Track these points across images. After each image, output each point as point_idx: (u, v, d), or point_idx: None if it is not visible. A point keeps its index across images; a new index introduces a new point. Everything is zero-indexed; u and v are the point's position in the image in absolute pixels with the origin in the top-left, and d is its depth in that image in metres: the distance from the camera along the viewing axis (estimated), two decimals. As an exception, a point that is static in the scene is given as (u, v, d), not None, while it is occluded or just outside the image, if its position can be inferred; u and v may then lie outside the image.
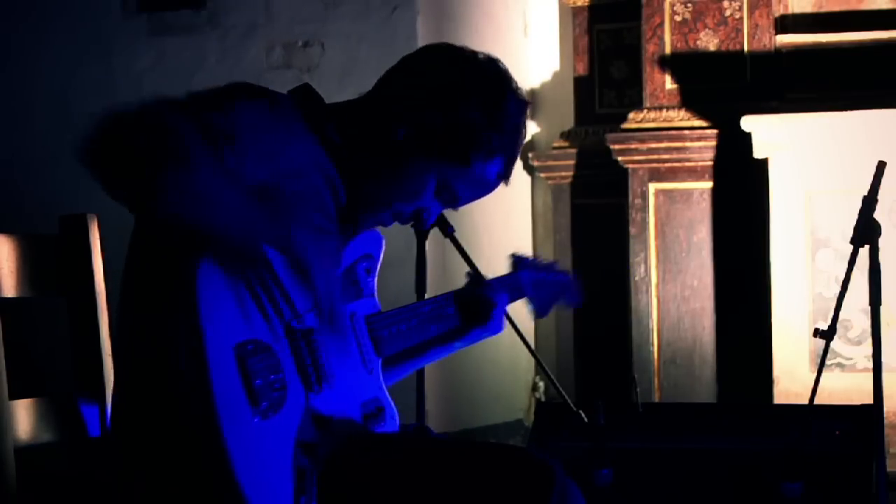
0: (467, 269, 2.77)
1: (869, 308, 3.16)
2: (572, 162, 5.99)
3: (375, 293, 2.57)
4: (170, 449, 2.20)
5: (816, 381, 3.25)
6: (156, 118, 2.14)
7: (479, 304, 2.70)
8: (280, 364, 2.26)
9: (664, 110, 5.44)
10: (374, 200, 2.49)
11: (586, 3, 6.01)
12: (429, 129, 2.43)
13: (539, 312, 2.96)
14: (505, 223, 6.14)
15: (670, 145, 5.38)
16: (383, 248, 2.60)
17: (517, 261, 2.91)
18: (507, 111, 2.46)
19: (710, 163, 5.35)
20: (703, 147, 5.35)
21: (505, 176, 2.52)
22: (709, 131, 5.35)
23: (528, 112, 2.55)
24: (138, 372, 2.27)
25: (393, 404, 2.53)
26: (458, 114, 2.43)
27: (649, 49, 5.47)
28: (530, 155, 6.16)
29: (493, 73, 2.49)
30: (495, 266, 2.99)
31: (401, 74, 2.50)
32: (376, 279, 2.58)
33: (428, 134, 2.43)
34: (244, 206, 2.20)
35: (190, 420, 2.14)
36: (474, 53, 2.51)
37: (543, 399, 6.27)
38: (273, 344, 2.26)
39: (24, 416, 2.38)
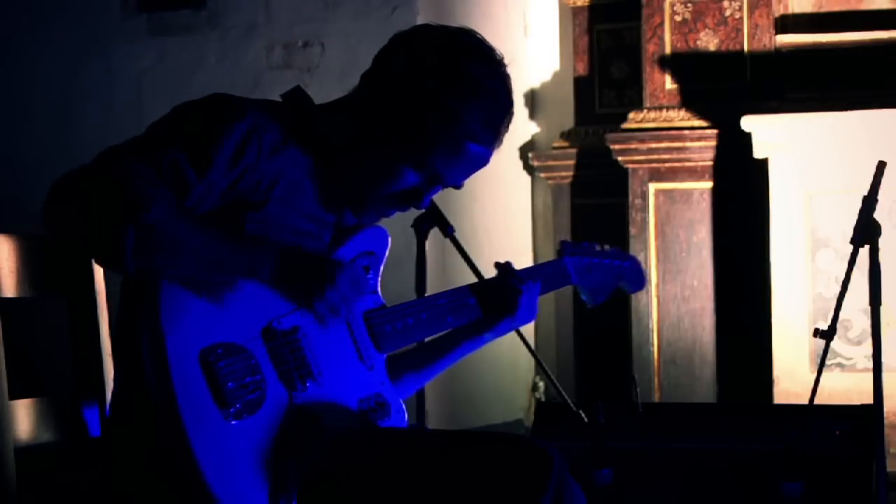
0: (470, 267, 2.75)
1: (869, 308, 3.16)
2: (572, 162, 5.99)
3: (378, 290, 2.56)
4: (144, 451, 2.25)
5: (816, 381, 3.25)
6: (109, 174, 2.17)
7: (504, 294, 2.67)
8: (259, 365, 2.28)
9: (664, 110, 5.44)
10: (364, 193, 2.47)
11: (586, 3, 6.00)
12: (388, 110, 2.40)
13: (592, 299, 2.91)
14: (505, 223, 6.14)
15: (670, 145, 5.38)
16: (388, 245, 2.58)
17: (563, 247, 2.87)
18: (466, 71, 2.40)
19: (710, 163, 5.35)
20: (703, 147, 5.35)
21: (486, 142, 2.43)
22: (709, 131, 5.35)
23: (506, 73, 2.48)
24: (120, 377, 2.35)
25: (400, 400, 2.53)
26: (411, 85, 2.39)
27: (649, 49, 5.47)
28: (530, 155, 6.16)
29: (448, 42, 2.43)
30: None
31: (371, 70, 2.49)
32: (380, 277, 2.57)
33: (388, 115, 2.40)
34: (208, 246, 2.24)
35: (158, 423, 2.19)
36: (441, 30, 2.46)
37: (543, 399, 6.27)
38: (248, 346, 2.28)
39: (24, 416, 2.38)
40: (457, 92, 2.39)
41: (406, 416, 2.52)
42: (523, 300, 2.66)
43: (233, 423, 2.23)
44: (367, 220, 2.53)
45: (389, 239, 2.58)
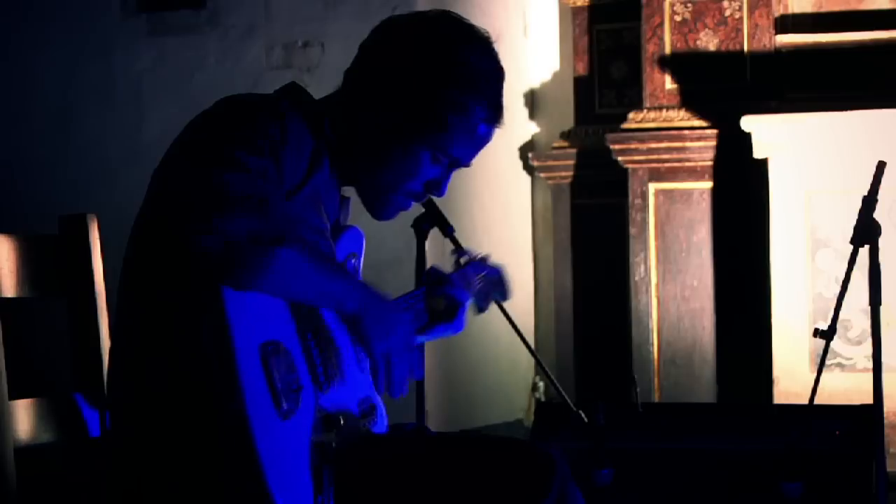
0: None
1: (869, 308, 3.16)
2: (572, 162, 6.00)
3: None
4: (199, 451, 2.19)
5: (816, 381, 3.25)
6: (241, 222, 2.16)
7: (445, 304, 2.66)
8: (294, 364, 2.27)
9: (664, 110, 5.44)
10: (384, 187, 2.47)
11: (586, 3, 6.00)
12: (395, 108, 2.42)
13: (481, 309, 2.89)
14: (505, 223, 6.14)
15: (670, 145, 5.38)
16: (364, 244, 2.59)
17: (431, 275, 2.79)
18: (463, 61, 2.42)
19: (710, 163, 5.35)
20: (703, 147, 5.35)
21: (494, 120, 2.46)
22: (709, 131, 5.35)
23: (493, 47, 2.47)
24: (162, 373, 2.24)
25: (382, 403, 2.53)
26: (413, 84, 2.41)
27: (649, 49, 5.47)
28: (530, 155, 6.17)
29: (436, 33, 2.44)
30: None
31: (359, 63, 2.49)
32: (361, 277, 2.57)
33: (397, 114, 2.41)
34: (319, 276, 2.29)
35: (223, 422, 2.14)
36: (420, 17, 2.48)
37: (543, 399, 6.27)
38: (287, 343, 2.27)
39: (24, 416, 2.38)
40: (463, 85, 2.41)
41: (387, 420, 2.52)
42: (462, 311, 2.67)
43: (283, 422, 2.21)
44: (386, 216, 2.52)
45: (364, 238, 2.58)
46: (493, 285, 2.86)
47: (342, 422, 2.30)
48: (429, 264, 2.78)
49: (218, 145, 2.25)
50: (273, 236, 2.17)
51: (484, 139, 2.48)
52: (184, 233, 2.14)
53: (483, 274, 2.80)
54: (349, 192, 2.63)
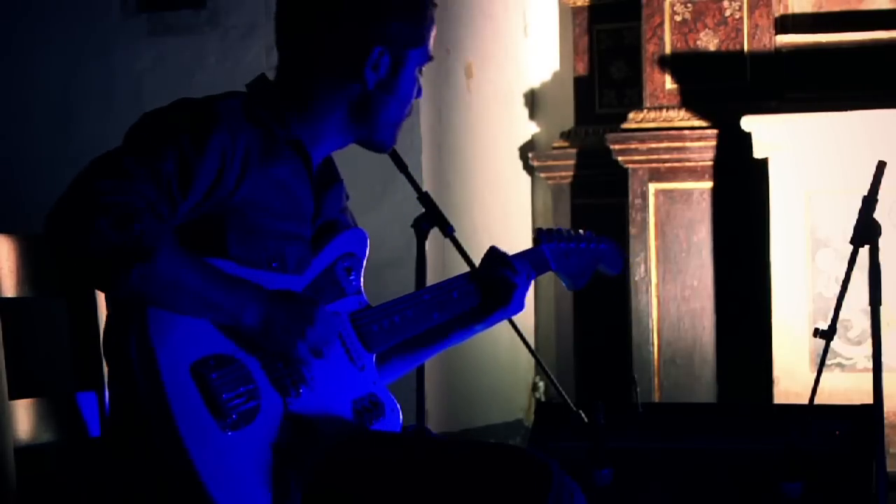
0: (469, 267, 2.73)
1: (869, 308, 3.16)
2: (572, 162, 5.99)
3: (362, 290, 2.55)
4: (146, 466, 2.24)
5: (816, 381, 3.24)
6: (115, 200, 2.16)
7: (499, 285, 2.66)
8: (251, 374, 2.27)
9: (664, 110, 5.44)
10: (395, 125, 2.52)
11: (586, 3, 6.00)
12: (389, 53, 2.46)
13: (572, 284, 2.87)
14: (505, 223, 6.14)
15: (670, 145, 5.38)
16: (368, 246, 2.58)
17: (539, 234, 2.83)
18: None
19: (710, 163, 5.35)
20: (703, 147, 5.35)
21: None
22: (709, 131, 5.35)
23: None
24: (115, 387, 2.35)
25: (393, 398, 2.52)
26: (353, 21, 2.44)
27: (649, 49, 5.47)
28: (530, 155, 6.16)
29: None
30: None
31: (290, 39, 2.50)
32: (362, 277, 2.56)
33: (392, 58, 2.47)
34: (205, 289, 2.24)
35: (156, 439, 2.19)
36: None
37: (543, 399, 6.27)
38: (238, 355, 2.27)
39: (24, 416, 2.38)
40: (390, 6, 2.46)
41: (400, 414, 2.51)
42: (518, 293, 2.65)
43: (230, 433, 2.22)
44: (389, 140, 2.54)
45: (368, 240, 2.58)
46: (592, 260, 2.87)
47: (317, 426, 2.31)
48: (429, 264, 2.78)
49: (116, 150, 2.28)
50: (139, 249, 2.15)
51: (431, 18, 2.52)
52: (54, 242, 2.17)
53: (572, 248, 2.81)
54: (344, 176, 2.64)
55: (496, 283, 2.64)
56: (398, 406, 2.51)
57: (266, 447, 2.26)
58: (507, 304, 2.64)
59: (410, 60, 2.49)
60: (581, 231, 2.90)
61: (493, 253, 2.68)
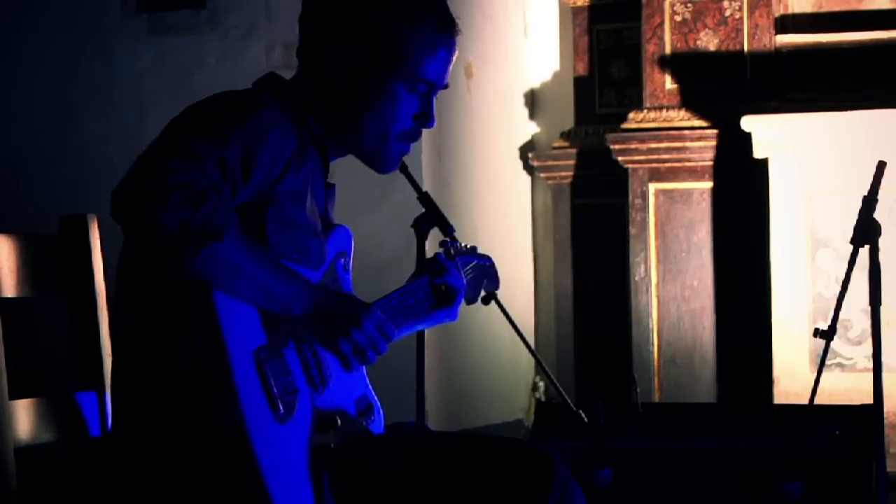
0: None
1: (869, 308, 3.16)
2: (572, 162, 5.99)
3: (352, 288, 2.56)
4: (198, 457, 2.19)
5: (816, 381, 3.25)
6: (184, 183, 2.15)
7: (446, 292, 2.65)
8: (289, 367, 2.26)
9: (664, 110, 5.44)
10: (377, 138, 2.48)
11: (586, 3, 6.00)
12: (354, 59, 2.46)
13: (472, 298, 2.85)
14: (505, 223, 6.14)
15: (670, 145, 5.38)
16: (353, 243, 2.58)
17: (449, 246, 2.78)
18: None
19: (710, 163, 5.35)
20: (703, 147, 5.35)
21: (448, 30, 2.47)
22: (709, 131, 5.35)
23: None
24: (157, 380, 2.25)
25: (378, 402, 2.53)
26: (360, 30, 2.45)
27: (649, 49, 5.47)
28: (530, 155, 6.17)
29: None
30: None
31: (306, 35, 2.58)
32: (351, 275, 2.57)
33: (357, 64, 2.45)
34: (263, 276, 2.22)
35: (221, 429, 2.14)
36: None
37: (543, 399, 6.27)
38: (281, 347, 2.27)
39: (24, 416, 2.38)
40: (404, 11, 2.44)
41: (383, 420, 2.51)
42: (460, 299, 2.66)
43: (280, 426, 2.20)
44: (391, 166, 2.52)
45: (353, 237, 2.58)
46: (482, 276, 2.86)
47: (339, 422, 2.30)
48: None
49: (180, 132, 2.25)
50: (209, 228, 2.14)
51: (447, 53, 2.48)
52: (123, 218, 2.16)
53: (473, 263, 2.80)
54: (338, 178, 2.64)
55: (444, 289, 2.64)
56: (381, 411, 2.52)
57: (304, 442, 2.25)
58: (450, 308, 2.64)
59: (391, 80, 2.45)
60: (467, 245, 2.87)
61: (438, 260, 2.68)
